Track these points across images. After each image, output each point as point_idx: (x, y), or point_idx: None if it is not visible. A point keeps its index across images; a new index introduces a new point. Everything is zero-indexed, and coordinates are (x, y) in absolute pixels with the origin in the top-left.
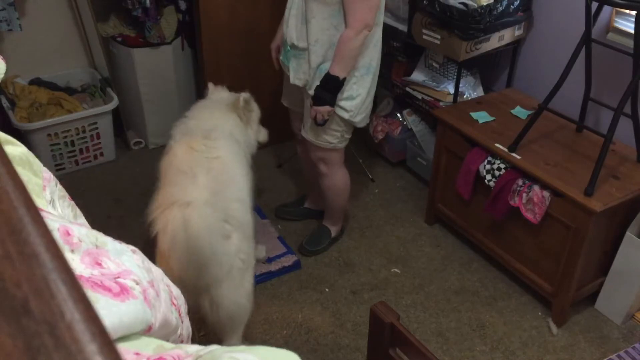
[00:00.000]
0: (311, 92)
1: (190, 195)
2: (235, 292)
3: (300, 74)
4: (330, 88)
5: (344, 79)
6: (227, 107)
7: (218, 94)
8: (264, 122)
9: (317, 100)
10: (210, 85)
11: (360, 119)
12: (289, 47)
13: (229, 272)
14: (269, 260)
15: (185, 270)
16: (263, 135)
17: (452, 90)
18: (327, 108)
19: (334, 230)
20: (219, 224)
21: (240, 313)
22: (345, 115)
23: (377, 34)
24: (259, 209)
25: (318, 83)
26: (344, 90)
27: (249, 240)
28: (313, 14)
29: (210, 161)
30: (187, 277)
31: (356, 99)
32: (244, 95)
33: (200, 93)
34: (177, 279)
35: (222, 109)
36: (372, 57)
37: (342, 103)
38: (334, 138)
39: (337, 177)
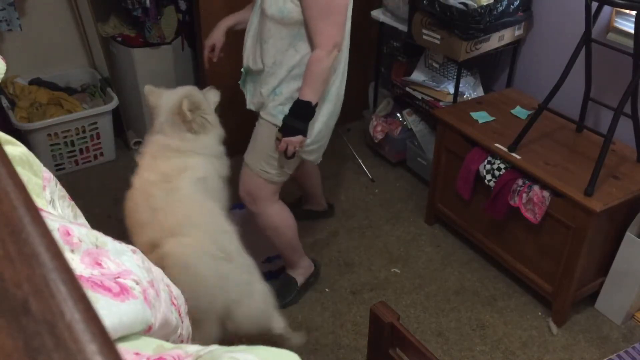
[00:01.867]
0: (264, 113)
1: (167, 234)
2: (250, 309)
3: (255, 99)
4: (302, 115)
5: (316, 104)
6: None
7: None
8: None
9: (288, 130)
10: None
11: (311, 150)
12: (243, 71)
13: (240, 294)
14: (269, 260)
15: (198, 299)
16: (214, 99)
17: (452, 90)
18: (299, 138)
19: (299, 276)
20: (211, 250)
21: (264, 318)
22: None
23: (341, 59)
24: None
25: (277, 106)
26: None
27: (247, 263)
28: (270, 33)
29: (175, 204)
30: (203, 304)
31: (312, 126)
32: (185, 102)
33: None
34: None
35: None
36: (333, 82)
37: None
38: (273, 169)
39: (269, 215)
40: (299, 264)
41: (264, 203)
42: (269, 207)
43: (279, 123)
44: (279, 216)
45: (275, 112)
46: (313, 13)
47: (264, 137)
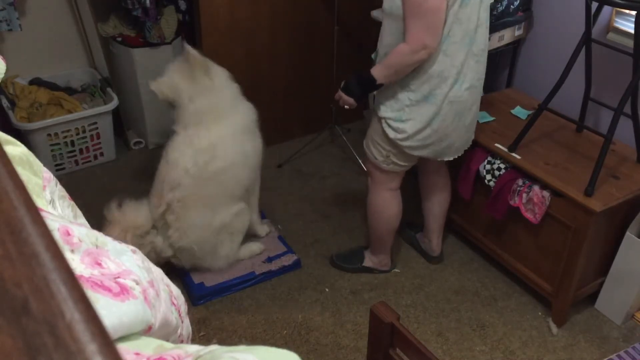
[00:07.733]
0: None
1: None
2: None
3: None
4: (362, 84)
5: (381, 85)
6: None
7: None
8: (263, 121)
9: (346, 88)
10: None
11: (409, 144)
12: (373, 57)
13: None
14: (269, 259)
15: None
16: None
17: None
18: (350, 100)
19: (368, 257)
20: None
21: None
22: (391, 134)
23: (444, 63)
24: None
25: (379, 98)
26: (395, 106)
27: None
28: (384, 27)
29: None
30: None
31: (406, 123)
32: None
33: None
34: None
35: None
36: (436, 87)
37: (391, 122)
38: (379, 155)
39: (375, 198)
40: (376, 254)
41: (374, 185)
42: (377, 191)
43: (379, 114)
44: (380, 204)
45: (376, 103)
46: (406, 11)
47: (372, 124)
